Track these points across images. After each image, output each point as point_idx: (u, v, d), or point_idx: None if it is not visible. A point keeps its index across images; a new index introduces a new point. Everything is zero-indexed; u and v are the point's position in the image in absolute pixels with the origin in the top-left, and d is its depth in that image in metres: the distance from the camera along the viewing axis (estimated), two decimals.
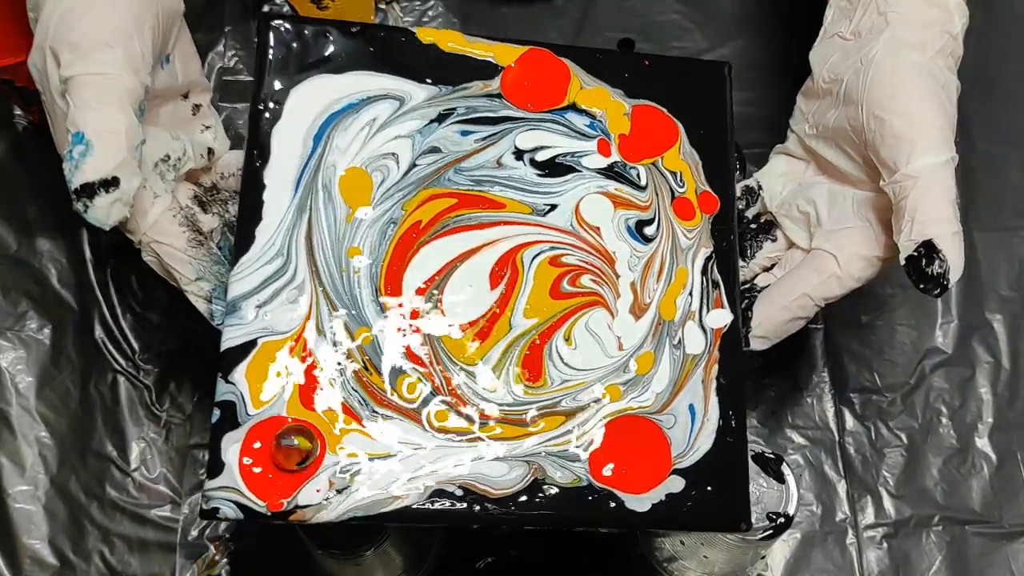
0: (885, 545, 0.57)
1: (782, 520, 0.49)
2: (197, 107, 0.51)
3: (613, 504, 0.46)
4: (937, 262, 0.42)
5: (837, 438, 0.59)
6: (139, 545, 0.56)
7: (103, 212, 0.41)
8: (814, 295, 0.48)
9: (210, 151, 0.51)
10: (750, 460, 0.50)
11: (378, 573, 0.53)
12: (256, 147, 0.48)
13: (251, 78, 0.67)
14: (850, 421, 0.59)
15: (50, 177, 0.64)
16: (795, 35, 0.69)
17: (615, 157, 0.51)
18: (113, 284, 0.61)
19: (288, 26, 0.50)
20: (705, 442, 0.48)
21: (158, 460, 0.58)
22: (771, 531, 0.49)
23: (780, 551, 0.57)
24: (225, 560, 0.56)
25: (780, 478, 0.50)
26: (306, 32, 0.50)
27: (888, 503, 0.57)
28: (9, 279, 0.61)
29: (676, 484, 0.47)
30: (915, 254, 0.43)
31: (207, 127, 0.52)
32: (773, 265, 0.53)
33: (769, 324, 0.50)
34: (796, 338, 0.61)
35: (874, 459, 0.58)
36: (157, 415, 0.59)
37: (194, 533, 0.56)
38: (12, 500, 0.56)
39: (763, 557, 0.57)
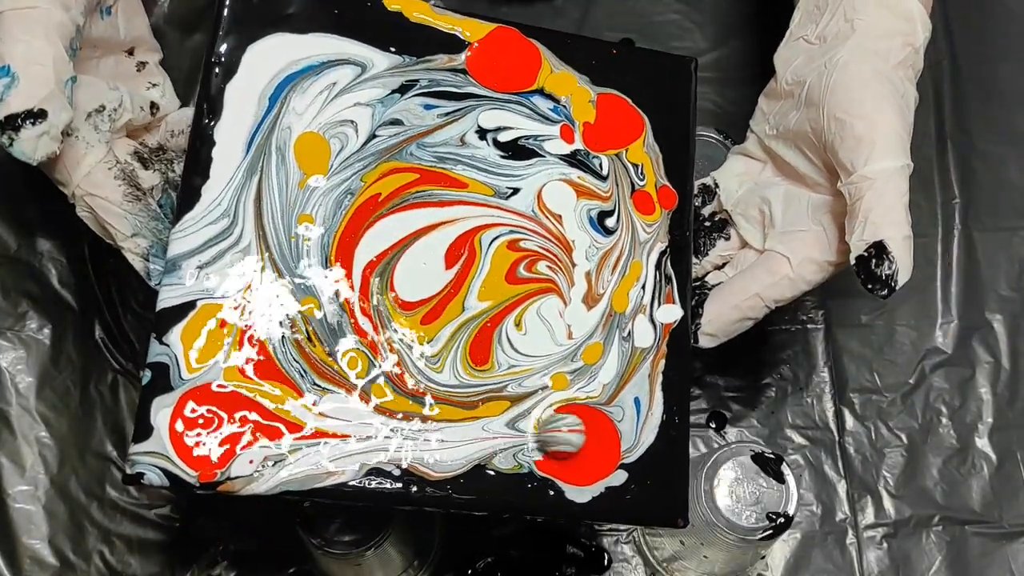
0: (885, 545, 0.57)
1: (782, 520, 0.49)
2: (143, 64, 0.51)
3: (552, 493, 0.46)
4: (887, 263, 0.43)
5: (837, 438, 0.59)
6: (139, 545, 0.56)
7: (29, 145, 0.40)
8: (765, 296, 0.49)
9: (154, 106, 0.50)
10: (750, 460, 0.50)
11: (378, 573, 0.53)
12: (207, 101, 0.46)
13: None
14: (850, 421, 0.59)
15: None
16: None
17: (578, 145, 0.51)
18: (113, 284, 0.61)
19: None
20: (648, 436, 0.48)
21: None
22: (771, 531, 0.49)
23: (780, 551, 0.57)
24: (225, 560, 0.56)
25: (780, 478, 0.50)
26: None
27: (888, 503, 0.57)
28: (9, 279, 0.61)
29: (618, 478, 0.47)
30: (865, 254, 0.43)
31: (153, 84, 0.51)
32: (725, 264, 0.53)
33: (719, 322, 0.50)
34: (796, 338, 0.61)
35: (874, 459, 0.58)
36: None
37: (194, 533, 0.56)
38: (12, 500, 0.56)
39: (763, 557, 0.57)
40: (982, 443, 0.59)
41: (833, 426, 0.59)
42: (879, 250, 0.43)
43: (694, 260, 0.53)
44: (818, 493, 0.58)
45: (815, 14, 0.50)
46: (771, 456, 0.51)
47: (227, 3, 0.48)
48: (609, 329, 0.49)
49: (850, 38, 0.47)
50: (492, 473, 0.45)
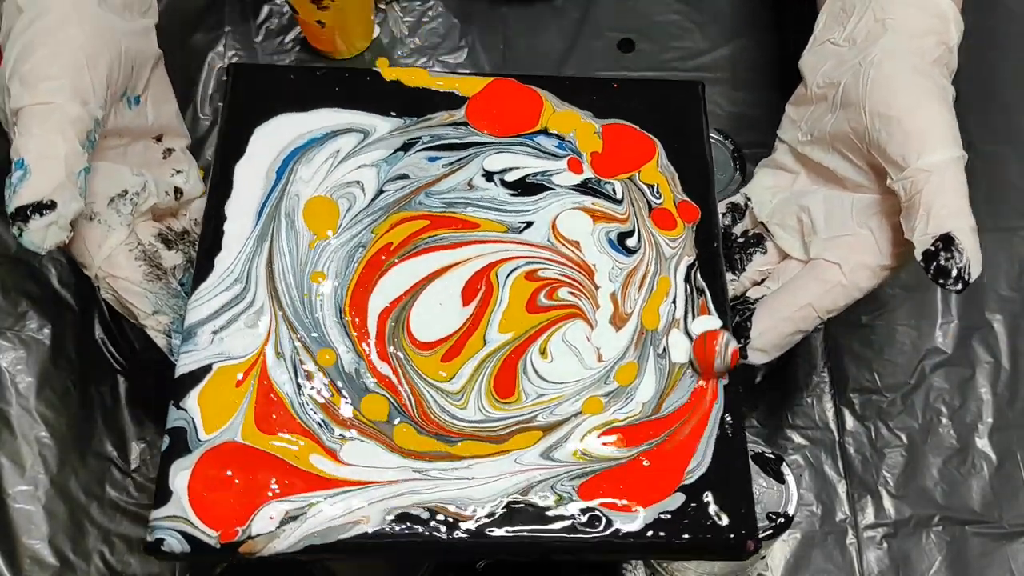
0: (885, 545, 0.57)
1: (782, 520, 0.49)
2: (169, 151, 0.52)
3: (599, 525, 0.43)
4: (956, 256, 0.41)
5: (837, 438, 0.59)
6: (139, 545, 0.56)
7: (38, 235, 0.41)
8: (818, 306, 0.47)
9: (178, 192, 0.52)
10: (750, 460, 0.50)
11: (380, 571, 0.53)
12: (219, 183, 0.49)
13: None
14: (850, 421, 0.59)
15: None
16: (794, 36, 0.69)
17: (588, 174, 0.51)
18: None
19: (256, 71, 0.52)
20: (704, 453, 0.45)
21: (158, 460, 0.58)
22: (771, 531, 0.49)
23: (780, 551, 0.57)
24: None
25: (780, 478, 0.50)
26: (272, 77, 0.52)
27: (888, 503, 0.57)
28: (9, 279, 0.61)
29: (674, 501, 0.44)
30: (932, 249, 0.41)
31: (178, 171, 0.52)
32: (764, 279, 0.52)
33: (770, 336, 0.49)
34: None
35: (874, 459, 0.58)
36: (157, 415, 0.59)
37: None
38: (12, 500, 0.56)
39: (763, 557, 0.57)
40: (982, 443, 0.59)
41: (833, 426, 0.59)
42: (946, 243, 0.41)
43: (732, 277, 0.52)
44: (818, 493, 0.58)
45: (841, 17, 0.49)
46: (771, 456, 0.50)
47: (233, 91, 0.51)
48: (642, 347, 0.47)
49: (883, 37, 0.46)
50: (529, 509, 0.43)
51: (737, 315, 0.50)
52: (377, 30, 0.69)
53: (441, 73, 0.54)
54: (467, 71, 0.68)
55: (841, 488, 0.58)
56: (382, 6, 0.69)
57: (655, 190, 0.52)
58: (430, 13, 0.69)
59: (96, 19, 0.44)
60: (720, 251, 0.50)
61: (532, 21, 0.69)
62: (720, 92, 0.67)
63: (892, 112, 0.44)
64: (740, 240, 0.53)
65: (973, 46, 0.69)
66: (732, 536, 0.43)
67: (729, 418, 0.46)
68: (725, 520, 0.44)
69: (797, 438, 0.59)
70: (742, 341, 0.49)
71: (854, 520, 0.57)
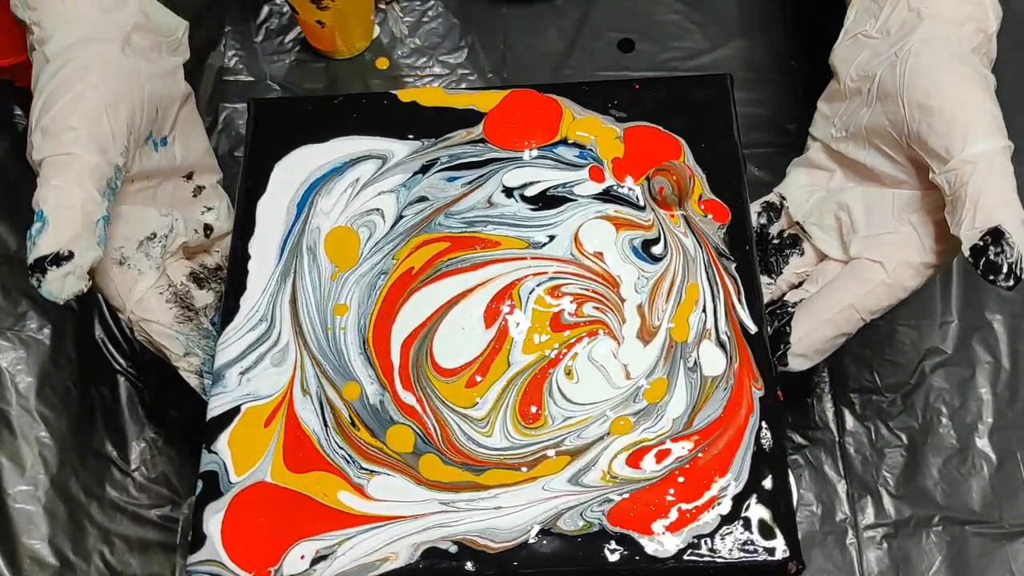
0: (885, 545, 0.57)
1: None
2: (200, 188, 0.52)
3: (630, 551, 0.41)
4: (1007, 250, 0.39)
5: (837, 438, 0.59)
6: (139, 545, 0.56)
7: (56, 286, 0.41)
8: (860, 307, 0.45)
9: (208, 229, 0.52)
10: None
11: None
12: (242, 222, 0.49)
13: (251, 78, 0.67)
14: (850, 421, 0.59)
15: None
16: (795, 36, 0.69)
17: (610, 181, 0.50)
18: None
19: (274, 106, 0.52)
20: (741, 469, 0.43)
21: (158, 460, 0.58)
22: None
23: None
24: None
25: None
26: (291, 110, 0.52)
27: (888, 503, 0.57)
28: (9, 279, 0.61)
29: (709, 522, 0.42)
30: (981, 243, 0.39)
31: (208, 208, 0.53)
32: (802, 282, 0.50)
33: (811, 340, 0.46)
34: None
35: (874, 459, 0.58)
36: (157, 415, 0.59)
37: None
38: (12, 500, 0.56)
39: None
40: (982, 443, 0.59)
41: (833, 426, 0.59)
42: (996, 236, 0.39)
43: (768, 281, 0.50)
44: (818, 493, 0.58)
45: (873, 8, 0.47)
46: None
47: (254, 127, 0.51)
48: (672, 362, 0.45)
49: (919, 26, 0.44)
50: (558, 538, 0.42)
51: (775, 320, 0.48)
52: (377, 30, 0.69)
53: (458, 90, 0.53)
54: (467, 69, 0.68)
55: (841, 488, 0.58)
56: (382, 6, 0.69)
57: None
58: (430, 13, 0.69)
59: (118, 66, 0.44)
60: (754, 253, 0.48)
61: (532, 21, 0.69)
62: None
63: (932, 102, 0.42)
64: (776, 241, 0.51)
65: None
66: (773, 559, 0.41)
67: (766, 431, 0.44)
68: (765, 541, 0.42)
69: (797, 438, 0.59)
70: (782, 347, 0.47)
71: (854, 520, 0.57)
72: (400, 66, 0.68)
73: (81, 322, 0.60)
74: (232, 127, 0.66)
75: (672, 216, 0.49)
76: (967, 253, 0.40)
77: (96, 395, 0.59)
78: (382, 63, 0.68)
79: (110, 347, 0.60)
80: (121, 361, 0.60)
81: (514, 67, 0.68)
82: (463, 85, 0.67)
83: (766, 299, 0.49)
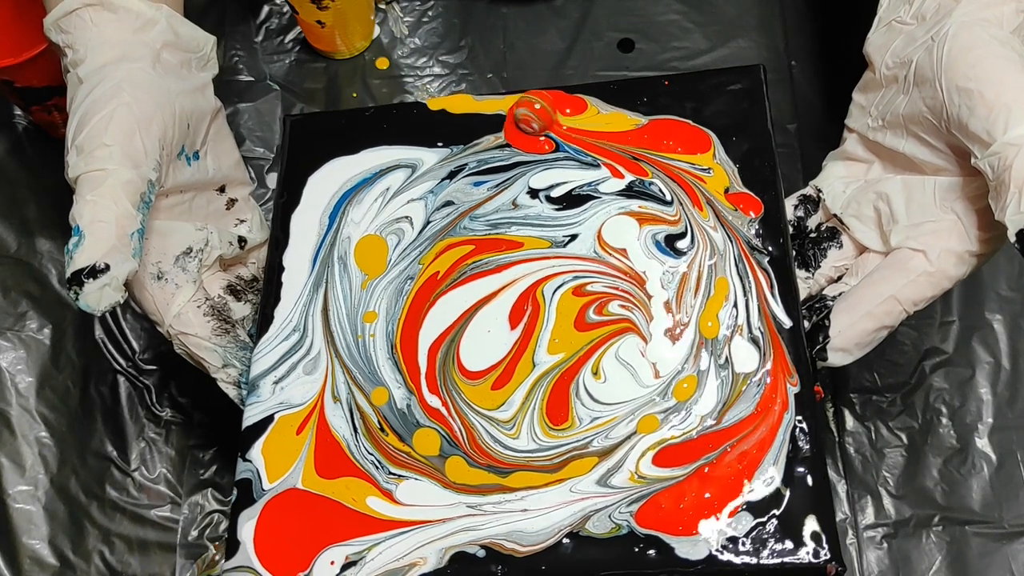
0: (885, 545, 0.57)
1: None
2: (232, 201, 0.53)
3: (659, 554, 0.40)
4: None
5: (837, 438, 0.59)
6: (139, 545, 0.56)
7: (93, 298, 0.41)
8: (902, 298, 0.44)
9: (242, 241, 0.52)
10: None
11: None
12: (277, 235, 0.50)
13: (251, 78, 0.67)
14: (850, 421, 0.59)
15: (50, 177, 0.64)
16: (795, 36, 0.69)
17: (629, 176, 0.49)
18: None
19: (308, 121, 0.53)
20: (774, 468, 0.41)
21: (158, 460, 0.58)
22: None
23: None
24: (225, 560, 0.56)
25: None
26: (324, 123, 0.53)
27: (888, 503, 0.57)
28: (9, 279, 0.61)
29: (742, 523, 0.40)
30: None
31: (241, 220, 0.53)
32: (841, 276, 0.49)
33: (852, 334, 0.45)
34: None
35: (874, 459, 0.58)
36: (157, 415, 0.59)
37: (194, 533, 0.56)
38: (12, 500, 0.56)
39: None
40: (982, 443, 0.59)
41: (833, 426, 0.59)
42: None
43: (807, 275, 0.49)
44: None
45: None
46: None
47: (289, 143, 0.52)
48: (701, 359, 0.44)
49: (955, 9, 0.43)
50: (587, 540, 0.41)
51: (814, 314, 0.46)
52: (377, 30, 0.69)
53: (485, 96, 0.52)
54: (467, 70, 0.68)
55: (841, 488, 0.58)
56: (382, 6, 0.69)
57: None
58: (430, 13, 0.69)
59: (149, 84, 0.45)
60: (789, 247, 0.46)
61: (532, 21, 0.69)
62: None
63: (972, 84, 0.40)
64: (813, 235, 0.50)
65: None
66: (812, 560, 0.39)
67: (803, 428, 0.42)
68: (801, 543, 0.40)
69: None
70: (821, 341, 0.45)
71: (854, 520, 0.57)
72: (400, 66, 0.68)
73: (81, 322, 0.60)
74: (232, 127, 0.65)
75: (540, 139, 0.50)
76: (1013, 239, 0.38)
77: (96, 395, 0.59)
78: (382, 63, 0.68)
79: (110, 347, 0.60)
80: (121, 361, 0.60)
81: (514, 67, 0.68)
82: (463, 85, 0.67)
83: (804, 294, 0.48)
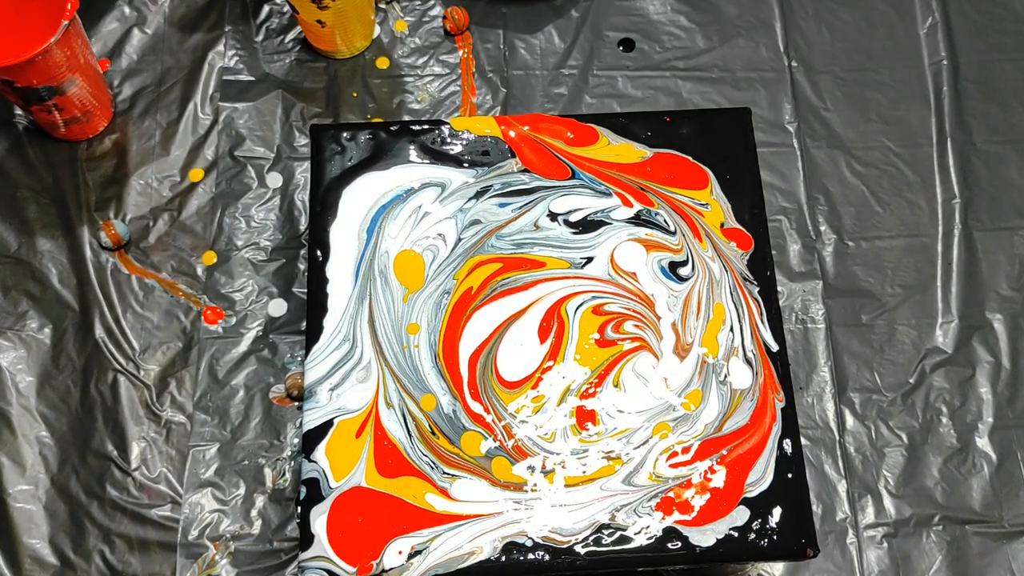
0: (885, 545, 0.57)
1: None
2: None
3: (677, 542, 0.49)
4: None
5: (837, 438, 0.59)
6: (139, 544, 0.56)
7: None
8: None
9: None
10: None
11: None
12: (318, 246, 0.54)
13: (251, 77, 0.67)
14: (850, 421, 0.59)
15: (50, 177, 0.64)
16: (795, 36, 0.69)
17: (638, 205, 0.55)
18: (113, 284, 0.61)
19: (335, 132, 0.56)
20: (765, 470, 0.50)
21: (158, 460, 0.58)
22: None
23: None
24: (225, 560, 0.56)
25: None
26: (351, 135, 0.56)
27: (888, 503, 0.57)
28: (9, 279, 0.61)
29: (741, 516, 0.49)
30: None
31: None
32: None
33: None
34: (796, 338, 0.61)
35: (874, 459, 0.58)
36: (157, 415, 0.59)
37: (194, 533, 0.56)
38: (12, 500, 0.56)
39: None
40: (982, 443, 0.59)
41: (833, 426, 0.59)
42: None
43: None
44: (818, 493, 0.58)
45: None
46: None
47: (316, 152, 0.56)
48: (705, 376, 0.51)
49: None
50: (617, 531, 0.48)
51: None
52: (377, 30, 0.69)
53: (505, 117, 0.57)
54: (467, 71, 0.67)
55: (841, 488, 0.58)
56: (382, 6, 0.69)
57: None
58: (430, 12, 0.69)
59: None
60: (774, 279, 0.54)
61: (532, 21, 0.69)
62: (720, 92, 0.67)
63: None
64: None
65: (974, 46, 0.69)
66: (794, 547, 0.48)
67: (787, 437, 0.50)
68: (787, 531, 0.48)
69: None
70: None
71: (854, 520, 0.57)
72: (400, 66, 0.68)
73: (81, 322, 0.60)
74: (232, 127, 0.66)
75: (459, 38, 0.59)
76: None
77: (96, 395, 0.59)
78: (382, 63, 0.68)
79: (110, 347, 0.60)
80: (121, 361, 0.60)
81: (514, 67, 0.68)
82: (463, 85, 0.67)
83: None
